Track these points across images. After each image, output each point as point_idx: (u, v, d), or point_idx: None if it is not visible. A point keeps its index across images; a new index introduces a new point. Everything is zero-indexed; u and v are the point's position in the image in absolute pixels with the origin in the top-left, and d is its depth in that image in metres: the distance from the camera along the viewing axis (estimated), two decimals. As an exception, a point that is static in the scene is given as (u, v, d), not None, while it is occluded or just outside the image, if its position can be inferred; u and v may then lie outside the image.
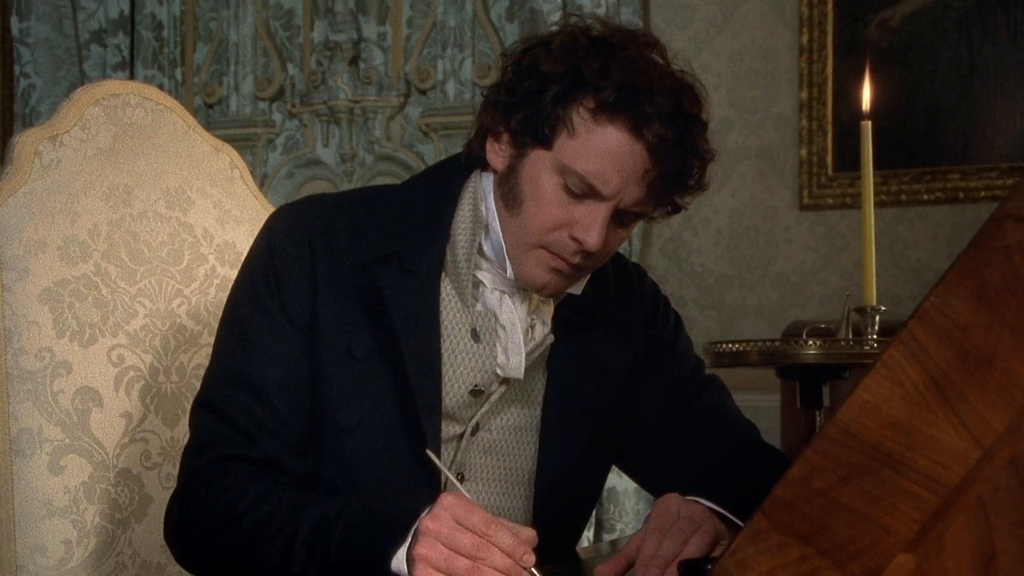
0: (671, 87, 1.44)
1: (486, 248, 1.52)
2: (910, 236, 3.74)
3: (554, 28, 1.55)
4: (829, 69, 3.78)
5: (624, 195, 1.45)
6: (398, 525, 1.29)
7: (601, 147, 1.43)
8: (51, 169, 1.69)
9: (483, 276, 1.52)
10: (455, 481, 1.38)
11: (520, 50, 1.52)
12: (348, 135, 4.33)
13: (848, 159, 3.72)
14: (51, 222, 1.67)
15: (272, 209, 1.95)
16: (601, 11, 3.81)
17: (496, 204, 1.51)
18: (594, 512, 3.15)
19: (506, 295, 1.52)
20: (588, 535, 3.63)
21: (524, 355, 1.51)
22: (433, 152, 4.22)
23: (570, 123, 1.44)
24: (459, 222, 1.52)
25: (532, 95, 1.45)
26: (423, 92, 4.26)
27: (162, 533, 1.53)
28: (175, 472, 1.60)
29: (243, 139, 4.34)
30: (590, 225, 1.44)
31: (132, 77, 4.37)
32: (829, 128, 3.77)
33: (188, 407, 1.76)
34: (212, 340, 1.58)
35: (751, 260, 3.91)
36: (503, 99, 1.49)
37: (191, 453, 1.50)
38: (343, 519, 1.34)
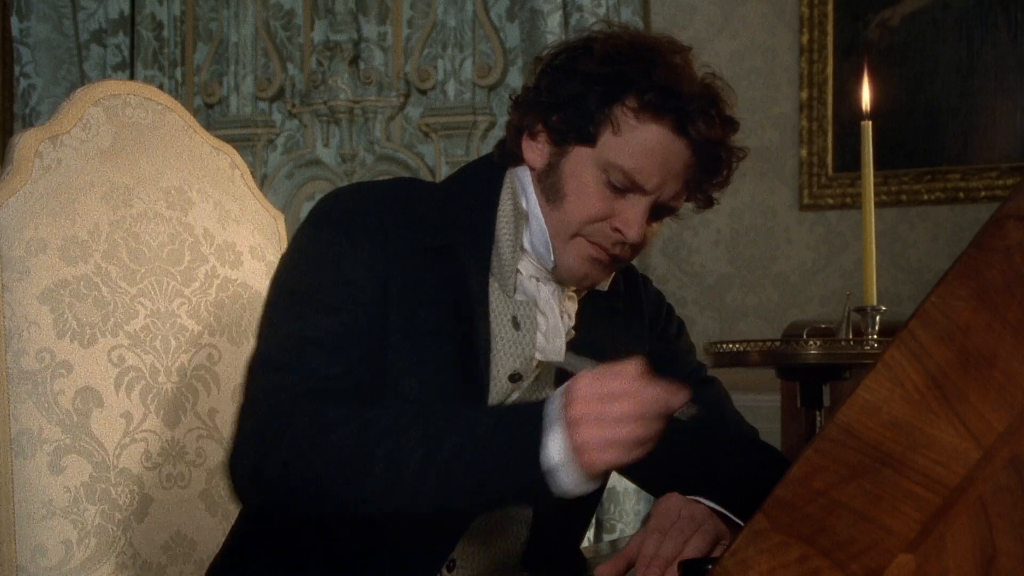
0: (707, 89, 1.53)
1: (526, 243, 1.56)
2: (910, 236, 3.74)
3: (585, 33, 1.59)
4: (829, 69, 3.78)
5: (664, 190, 1.52)
6: (534, 417, 1.26)
7: (645, 144, 1.50)
8: (51, 169, 1.69)
9: (521, 266, 1.57)
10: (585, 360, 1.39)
11: (552, 55, 1.58)
12: (348, 135, 4.33)
13: (848, 159, 3.72)
14: (51, 222, 1.67)
15: (272, 210, 1.96)
16: (601, 11, 3.81)
17: (537, 198, 1.56)
18: (594, 512, 3.15)
19: (541, 283, 1.57)
20: (588, 535, 3.63)
21: (564, 338, 1.55)
22: (433, 152, 4.21)
23: (615, 121, 1.50)
24: (501, 218, 1.57)
25: (576, 96, 1.52)
26: (423, 92, 4.26)
27: (163, 533, 1.52)
28: (175, 472, 1.60)
29: (243, 139, 4.34)
30: (632, 218, 1.50)
31: (132, 77, 4.37)
32: (829, 128, 3.77)
33: (189, 407, 1.76)
34: (213, 340, 1.58)
35: (751, 260, 3.91)
36: (543, 99, 1.55)
37: (250, 409, 1.43)
38: (479, 411, 1.37)
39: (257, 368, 1.48)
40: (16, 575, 1.62)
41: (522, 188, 1.58)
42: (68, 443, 1.64)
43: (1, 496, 1.61)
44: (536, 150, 1.57)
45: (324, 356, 1.44)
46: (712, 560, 1.31)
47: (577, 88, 1.52)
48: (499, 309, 1.55)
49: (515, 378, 1.55)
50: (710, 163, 1.54)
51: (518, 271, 1.56)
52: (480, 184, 1.61)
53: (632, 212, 1.51)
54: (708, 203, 1.60)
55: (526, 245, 1.56)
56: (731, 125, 1.56)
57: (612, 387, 1.24)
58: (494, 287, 1.55)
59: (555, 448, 1.24)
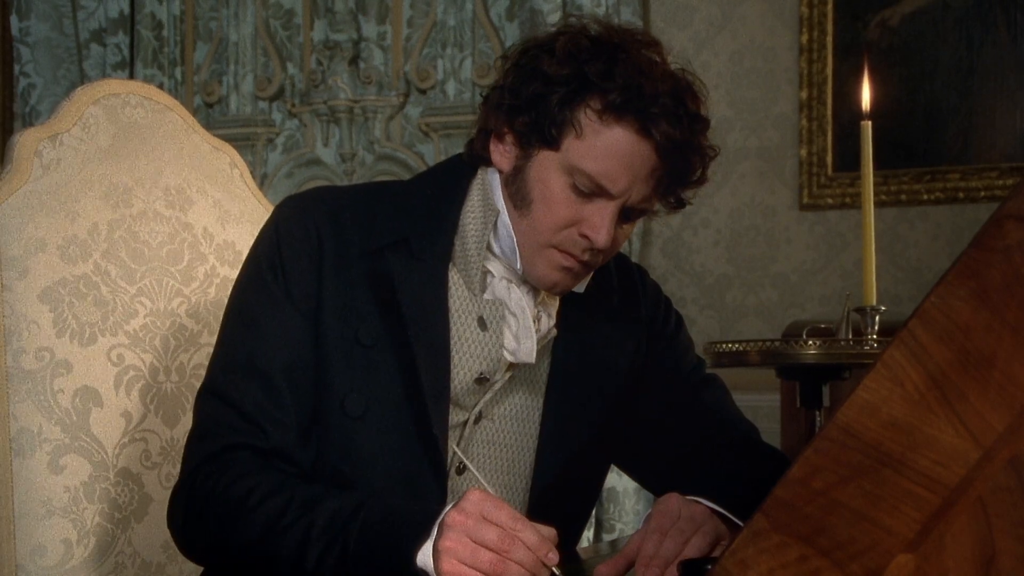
0: (673, 87, 1.47)
1: (494, 246, 1.53)
2: (910, 236, 3.74)
3: (552, 29, 1.57)
4: (829, 69, 3.78)
5: (632, 193, 1.47)
6: (421, 520, 1.30)
7: (609, 147, 1.45)
8: (51, 169, 1.69)
9: (492, 266, 1.54)
10: (479, 477, 1.40)
11: (519, 52, 1.53)
12: (348, 135, 4.33)
13: (848, 159, 3.72)
14: (51, 221, 1.67)
15: (271, 209, 1.96)
16: (601, 11, 3.81)
17: (505, 203, 1.53)
18: (594, 512, 3.15)
19: (514, 284, 1.53)
20: (588, 535, 3.63)
21: (536, 339, 1.52)
22: (433, 152, 4.22)
23: (577, 124, 1.46)
24: (468, 212, 1.54)
25: (538, 98, 1.47)
26: (423, 92, 4.26)
27: (162, 532, 1.52)
28: (175, 472, 1.60)
29: (243, 139, 4.34)
30: (599, 223, 1.46)
31: (132, 76, 4.37)
32: (829, 128, 3.78)
33: (188, 407, 1.76)
34: (212, 339, 1.58)
35: (751, 260, 3.91)
36: (507, 101, 1.51)
37: (196, 440, 1.49)
38: (362, 513, 1.34)
39: (204, 390, 1.51)
40: (15, 574, 1.62)
41: (492, 187, 1.55)
42: (67, 442, 1.64)
43: (1, 496, 1.61)
44: (503, 153, 1.53)
45: (258, 386, 1.46)
46: (712, 560, 1.31)
47: (539, 89, 1.47)
48: (463, 307, 1.52)
49: (482, 380, 1.53)
50: (678, 164, 1.48)
51: (490, 272, 1.53)
52: (448, 179, 1.58)
53: (599, 217, 1.46)
54: (679, 205, 1.55)
55: (495, 249, 1.53)
56: (699, 123, 1.48)
57: (495, 513, 1.27)
58: (456, 281, 1.52)
59: (427, 547, 1.28)
